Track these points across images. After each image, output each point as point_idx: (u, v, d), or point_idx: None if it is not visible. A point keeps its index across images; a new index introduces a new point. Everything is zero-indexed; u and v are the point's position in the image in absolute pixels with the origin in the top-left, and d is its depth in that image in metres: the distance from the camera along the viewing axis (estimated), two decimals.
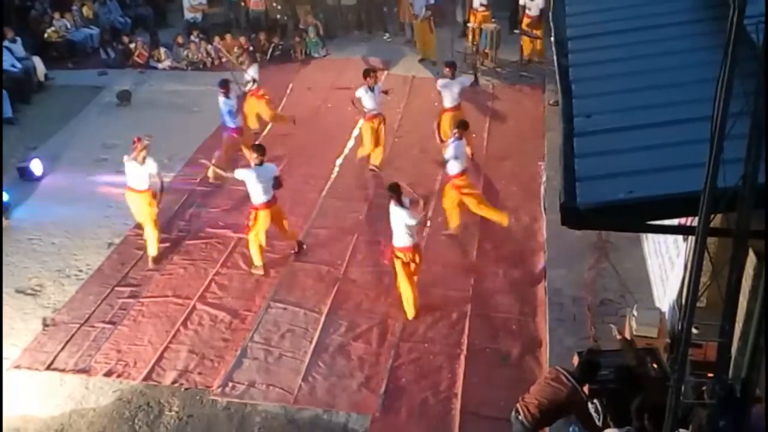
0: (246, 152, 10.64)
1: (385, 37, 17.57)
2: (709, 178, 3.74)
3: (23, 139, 13.39)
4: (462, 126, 9.98)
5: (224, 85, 11.46)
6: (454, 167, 9.93)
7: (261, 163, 9.29)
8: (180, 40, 16.50)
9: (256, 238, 9.51)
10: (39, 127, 13.83)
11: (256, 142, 10.80)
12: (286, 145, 12.64)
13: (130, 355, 8.41)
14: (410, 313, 8.83)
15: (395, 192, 8.50)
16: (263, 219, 9.42)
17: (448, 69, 11.94)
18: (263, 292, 9.34)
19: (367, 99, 11.55)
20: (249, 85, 12.59)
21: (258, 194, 9.31)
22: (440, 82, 12.09)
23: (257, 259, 9.64)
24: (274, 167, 9.66)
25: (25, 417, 7.66)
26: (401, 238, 8.57)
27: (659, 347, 6.91)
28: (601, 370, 6.34)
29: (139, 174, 9.59)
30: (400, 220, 8.44)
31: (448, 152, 9.82)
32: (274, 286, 9.44)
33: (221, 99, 11.48)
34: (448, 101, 11.98)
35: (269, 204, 9.42)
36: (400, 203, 8.45)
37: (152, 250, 9.89)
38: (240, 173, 9.45)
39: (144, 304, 9.21)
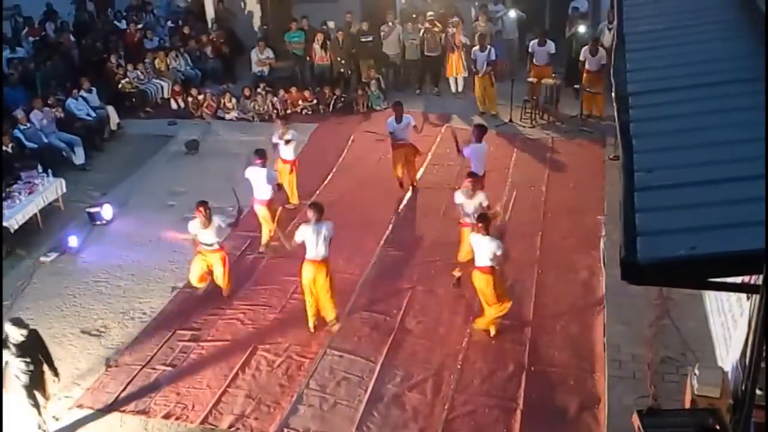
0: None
1: (434, 92, 17.80)
2: None
3: (94, 184, 13.96)
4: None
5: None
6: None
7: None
8: (247, 92, 17.00)
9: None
10: (110, 173, 14.39)
11: (312, 200, 10.87)
12: (344, 196, 12.83)
13: (189, 398, 8.56)
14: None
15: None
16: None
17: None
18: (320, 339, 9.42)
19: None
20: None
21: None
22: None
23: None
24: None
25: None
26: None
27: (722, 408, 6.71)
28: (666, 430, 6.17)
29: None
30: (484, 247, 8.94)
31: None
32: (331, 334, 9.52)
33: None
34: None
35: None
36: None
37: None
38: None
39: (204, 347, 9.40)
